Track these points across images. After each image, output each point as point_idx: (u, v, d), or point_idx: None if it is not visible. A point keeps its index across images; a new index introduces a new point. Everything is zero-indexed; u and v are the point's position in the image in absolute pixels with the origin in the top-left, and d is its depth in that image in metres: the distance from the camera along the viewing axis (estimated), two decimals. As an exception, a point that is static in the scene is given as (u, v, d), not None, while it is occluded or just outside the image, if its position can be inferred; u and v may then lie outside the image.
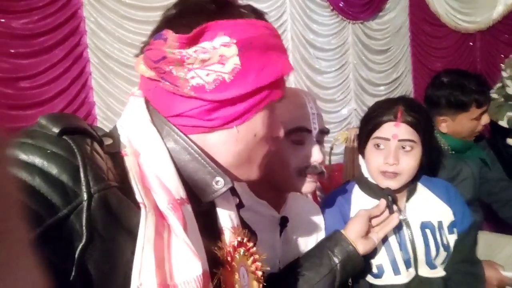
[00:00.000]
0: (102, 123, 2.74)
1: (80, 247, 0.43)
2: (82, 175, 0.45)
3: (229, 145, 0.58)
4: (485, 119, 1.56)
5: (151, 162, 0.52)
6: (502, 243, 1.53)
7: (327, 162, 2.59)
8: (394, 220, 1.00)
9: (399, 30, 4.06)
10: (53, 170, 0.44)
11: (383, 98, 1.57)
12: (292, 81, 3.45)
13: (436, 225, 1.11)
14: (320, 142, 0.95)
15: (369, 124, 1.10)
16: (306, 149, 0.92)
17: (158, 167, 0.52)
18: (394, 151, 1.05)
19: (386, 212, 1.01)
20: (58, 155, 0.45)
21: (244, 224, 0.71)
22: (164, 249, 0.47)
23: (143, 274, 0.45)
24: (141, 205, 0.48)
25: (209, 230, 0.58)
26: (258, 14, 0.60)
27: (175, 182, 0.52)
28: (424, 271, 1.08)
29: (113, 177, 0.49)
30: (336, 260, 0.91)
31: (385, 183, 1.08)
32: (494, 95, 1.71)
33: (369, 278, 1.08)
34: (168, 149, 0.55)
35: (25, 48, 2.44)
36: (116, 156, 0.52)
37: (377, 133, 1.08)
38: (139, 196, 0.49)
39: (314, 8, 3.61)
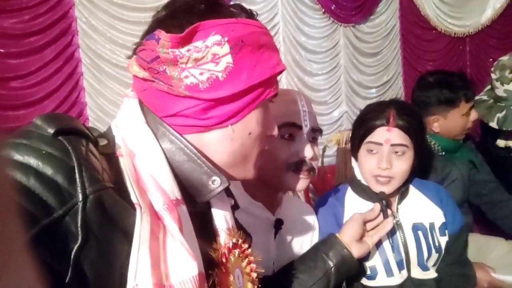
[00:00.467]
0: (94, 123, 2.72)
1: (75, 248, 0.43)
2: (77, 176, 0.45)
3: (225, 144, 0.59)
4: (473, 115, 1.63)
5: (146, 163, 0.52)
6: (492, 245, 1.55)
7: (319, 164, 2.61)
8: (388, 224, 1.01)
9: (390, 33, 4.10)
10: (48, 171, 0.44)
11: (374, 100, 1.59)
12: (283, 83, 3.46)
13: (428, 226, 1.13)
14: (312, 140, 0.96)
15: (362, 128, 1.11)
16: (296, 145, 0.93)
17: (153, 168, 0.52)
18: (387, 155, 1.06)
19: (381, 217, 1.02)
20: (53, 155, 0.45)
21: (239, 225, 0.71)
22: (160, 250, 0.47)
23: (138, 274, 0.45)
24: (136, 206, 0.48)
25: (204, 231, 0.59)
26: (249, 14, 0.61)
27: (170, 183, 0.52)
28: (417, 273, 1.10)
29: (108, 178, 0.49)
30: (331, 264, 0.91)
31: (378, 187, 1.09)
32: (484, 97, 1.75)
33: (363, 280, 1.09)
34: (163, 149, 0.55)
35: (16, 47, 2.42)
36: (111, 157, 0.52)
37: (370, 138, 1.09)
38: (134, 197, 0.49)
39: (306, 11, 3.63)
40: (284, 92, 1.01)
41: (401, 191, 1.14)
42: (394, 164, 1.07)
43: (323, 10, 3.66)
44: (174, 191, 0.52)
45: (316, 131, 0.96)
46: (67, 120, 0.51)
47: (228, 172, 0.61)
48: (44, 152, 0.45)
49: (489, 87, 1.79)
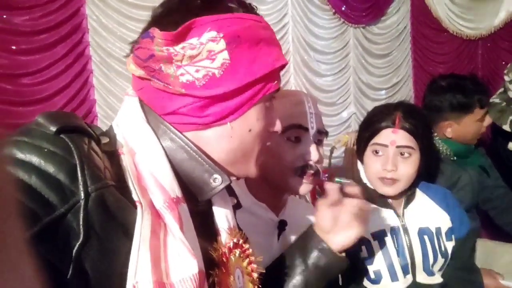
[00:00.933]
0: (103, 121, 2.74)
1: (77, 245, 0.43)
2: (79, 174, 0.45)
3: (224, 141, 0.58)
4: (488, 120, 1.59)
5: (147, 161, 0.52)
6: (501, 251, 1.53)
7: (326, 165, 2.59)
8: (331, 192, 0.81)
9: (401, 34, 4.06)
10: (50, 169, 0.44)
11: (383, 102, 1.57)
12: (292, 83, 3.46)
13: (434, 231, 1.11)
14: (318, 142, 0.95)
15: (368, 130, 1.11)
16: (302, 147, 0.91)
17: (153, 166, 0.52)
18: (392, 157, 1.06)
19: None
20: (55, 153, 0.45)
21: (238, 226, 0.71)
22: (160, 248, 0.48)
23: (139, 272, 0.45)
24: (137, 204, 0.48)
25: (205, 230, 0.59)
26: (247, 8, 0.59)
27: (171, 181, 0.52)
28: (422, 278, 1.08)
29: (110, 176, 0.49)
30: (308, 260, 0.80)
31: (383, 189, 1.09)
32: (496, 99, 1.72)
33: (367, 284, 1.08)
34: (163, 148, 0.55)
35: (27, 44, 2.44)
36: (113, 155, 0.52)
37: (376, 139, 1.08)
38: (135, 195, 0.49)
39: (315, 11, 3.61)
40: (291, 93, 1.00)
41: (407, 195, 1.13)
42: (399, 167, 1.06)
43: (333, 11, 3.65)
44: (174, 189, 0.52)
45: (322, 133, 0.95)
46: (70, 118, 0.51)
47: (229, 170, 0.60)
48: (46, 150, 0.45)
49: (502, 89, 1.76)
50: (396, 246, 1.09)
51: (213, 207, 0.63)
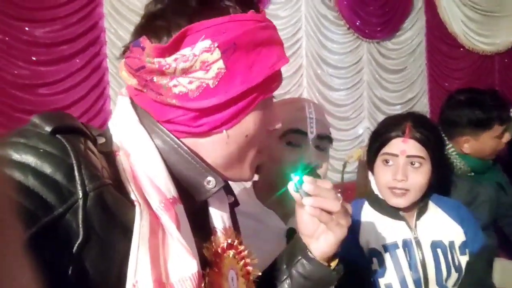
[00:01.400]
0: (117, 131, 2.78)
1: (77, 245, 0.43)
2: (76, 173, 0.45)
3: (220, 147, 0.57)
4: (507, 136, 1.53)
5: (142, 162, 0.52)
6: (519, 270, 1.48)
7: (339, 180, 2.57)
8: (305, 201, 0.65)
9: (415, 50, 4.06)
10: (47, 169, 0.44)
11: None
12: (305, 97, 3.46)
13: (447, 245, 1.08)
14: (318, 147, 0.95)
15: (378, 140, 1.10)
16: (300, 151, 0.93)
17: (148, 167, 0.52)
18: (402, 167, 1.04)
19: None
20: (52, 154, 0.45)
21: (237, 227, 0.70)
22: (159, 248, 0.47)
23: (138, 272, 0.45)
24: (135, 203, 0.48)
25: (200, 230, 0.58)
26: (246, 5, 0.56)
27: (166, 182, 0.52)
28: (435, 293, 1.05)
29: (107, 175, 0.48)
30: (293, 267, 0.73)
31: (394, 201, 1.07)
32: None
33: (377, 297, 1.05)
34: (158, 148, 0.54)
35: (46, 56, 2.52)
36: (109, 155, 0.52)
37: (386, 149, 1.07)
38: (133, 195, 0.49)
39: (329, 26, 3.64)
40: (292, 100, 1.03)
41: (419, 207, 1.11)
42: (410, 176, 1.04)
43: (348, 26, 3.67)
44: (170, 190, 0.51)
45: (323, 138, 0.96)
46: (65, 118, 0.50)
47: (223, 173, 0.60)
48: (42, 150, 0.45)
49: None
50: (408, 259, 1.06)
51: (209, 207, 0.62)
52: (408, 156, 1.05)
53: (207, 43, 0.51)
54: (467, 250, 1.10)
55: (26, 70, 2.46)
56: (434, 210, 1.14)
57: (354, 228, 1.11)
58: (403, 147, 1.05)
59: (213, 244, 0.59)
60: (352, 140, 3.69)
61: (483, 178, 1.57)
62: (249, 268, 0.63)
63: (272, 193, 0.94)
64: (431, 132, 1.07)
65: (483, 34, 4.24)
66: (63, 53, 2.57)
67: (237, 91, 0.53)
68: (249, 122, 0.57)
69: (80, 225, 0.43)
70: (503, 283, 1.40)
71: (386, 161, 1.08)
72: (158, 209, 0.49)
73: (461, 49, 4.18)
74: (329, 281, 0.70)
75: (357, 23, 3.69)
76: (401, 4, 3.93)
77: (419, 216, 1.11)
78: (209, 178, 0.56)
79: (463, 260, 1.09)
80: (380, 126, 1.14)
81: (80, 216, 0.44)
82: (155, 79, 0.52)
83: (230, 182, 0.66)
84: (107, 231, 0.46)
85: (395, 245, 1.07)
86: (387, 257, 1.06)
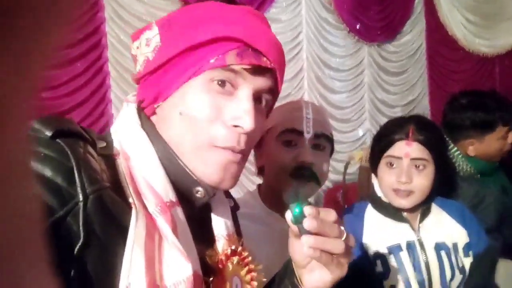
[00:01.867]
0: (119, 135, 2.79)
1: (77, 247, 0.44)
2: (76, 176, 0.45)
3: (163, 129, 0.57)
4: (511, 137, 1.53)
5: (140, 166, 0.52)
6: (524, 272, 1.47)
7: (341, 181, 2.57)
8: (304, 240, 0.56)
9: (416, 52, 4.07)
10: (48, 172, 0.44)
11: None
12: (306, 99, 3.47)
13: (451, 246, 1.08)
14: (315, 146, 0.96)
15: (381, 142, 1.10)
16: (296, 150, 0.94)
17: (147, 171, 0.52)
18: (406, 169, 1.05)
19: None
20: (52, 157, 0.45)
21: (238, 231, 0.70)
22: (155, 250, 0.48)
23: (132, 274, 0.45)
24: (132, 205, 0.49)
25: (203, 235, 0.58)
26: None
27: (164, 185, 0.52)
28: (439, 295, 1.05)
29: (107, 179, 0.49)
30: None
31: (398, 202, 1.07)
32: None
33: (381, 300, 1.05)
34: (157, 153, 0.55)
35: (48, 60, 2.52)
36: (109, 158, 0.52)
37: (390, 152, 1.08)
38: (131, 198, 0.49)
39: (330, 29, 3.65)
40: (290, 101, 1.06)
41: (423, 209, 1.11)
42: (414, 179, 1.05)
43: (348, 29, 3.68)
44: (168, 194, 0.52)
45: (320, 137, 0.96)
46: (65, 122, 0.51)
47: (197, 176, 0.56)
48: (42, 154, 0.45)
49: None
50: (412, 261, 1.06)
51: (211, 213, 0.62)
52: (412, 159, 1.05)
53: (151, 24, 0.59)
54: (470, 252, 1.10)
55: (28, 74, 2.47)
56: (437, 212, 1.14)
57: (357, 231, 1.11)
58: (407, 149, 1.05)
59: (216, 251, 0.59)
60: (354, 142, 3.69)
61: (489, 181, 1.56)
62: (254, 274, 0.62)
63: (274, 194, 0.94)
64: (434, 134, 1.07)
65: (483, 36, 4.25)
66: (65, 57, 2.57)
67: (163, 59, 0.55)
68: (181, 97, 0.54)
69: (81, 228, 0.44)
70: (508, 285, 1.40)
71: (390, 164, 1.08)
72: (154, 212, 0.50)
73: (461, 51, 4.19)
74: None
75: (357, 26, 3.71)
76: (401, 8, 3.94)
77: (422, 218, 1.12)
78: (198, 188, 0.56)
79: (467, 262, 1.09)
80: (383, 128, 1.14)
81: (81, 219, 0.44)
82: (136, 64, 0.60)
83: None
84: (107, 233, 0.46)
85: (399, 247, 1.07)
86: (391, 259, 1.06)
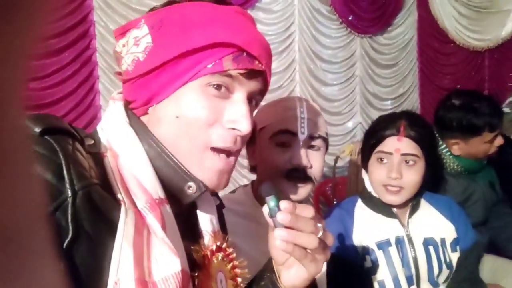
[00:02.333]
0: (107, 126, 2.76)
1: (66, 242, 0.44)
2: (65, 173, 0.46)
3: (157, 130, 0.56)
4: (498, 141, 1.54)
5: (129, 164, 0.53)
6: (509, 268, 1.50)
7: (331, 175, 2.58)
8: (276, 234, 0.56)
9: (407, 45, 4.07)
10: (37, 169, 0.44)
11: (388, 112, 1.56)
12: (297, 92, 3.46)
13: (439, 242, 1.10)
14: (310, 147, 0.93)
15: (373, 138, 1.10)
16: (290, 152, 0.91)
17: (136, 168, 0.53)
18: (397, 165, 1.05)
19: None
20: (41, 154, 0.46)
21: (224, 228, 0.71)
22: (144, 246, 0.48)
23: (120, 270, 0.45)
24: (121, 202, 0.49)
25: (189, 232, 0.59)
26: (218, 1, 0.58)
27: (153, 183, 0.53)
28: (426, 289, 1.06)
29: (95, 175, 0.49)
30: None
31: (388, 198, 1.07)
32: (507, 109, 1.70)
33: (370, 294, 1.06)
34: (146, 151, 0.55)
35: (35, 49, 2.47)
36: (97, 156, 0.53)
37: (380, 147, 1.08)
38: (119, 194, 0.50)
39: (323, 21, 3.63)
40: (283, 99, 1.01)
41: (412, 204, 1.12)
42: (404, 174, 1.05)
43: (340, 20, 3.66)
44: (157, 191, 0.53)
45: (315, 138, 0.92)
46: (53, 119, 0.51)
47: (192, 172, 0.57)
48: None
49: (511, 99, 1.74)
50: (401, 256, 1.07)
51: (197, 210, 0.63)
52: (402, 154, 1.05)
53: (139, 23, 0.57)
54: (458, 247, 1.11)
55: (14, 64, 2.42)
56: (426, 208, 1.15)
57: (347, 226, 1.11)
58: (398, 145, 1.05)
59: (202, 247, 0.60)
60: (344, 135, 3.70)
61: (477, 177, 1.58)
62: (238, 270, 0.63)
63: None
64: (425, 130, 1.08)
65: (474, 30, 4.27)
66: (52, 47, 2.52)
67: (159, 61, 0.54)
68: (179, 101, 0.55)
69: (70, 223, 0.44)
70: (493, 280, 1.42)
71: (381, 159, 1.08)
72: (143, 208, 0.50)
73: (452, 44, 4.20)
74: None
75: (350, 18, 3.69)
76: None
77: (411, 213, 1.12)
78: (190, 183, 0.56)
79: (454, 257, 1.10)
80: (374, 124, 1.14)
81: (69, 214, 0.44)
82: (122, 62, 0.58)
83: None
84: (95, 229, 0.46)
85: (388, 243, 1.08)
86: (380, 254, 1.07)
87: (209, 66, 0.54)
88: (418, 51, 4.12)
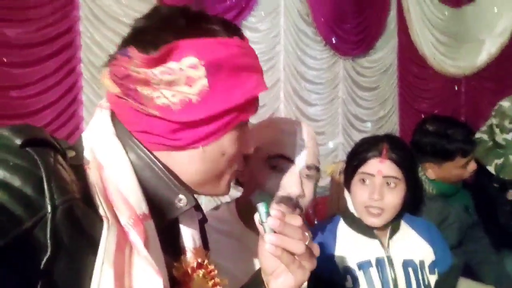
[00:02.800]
0: (89, 138, 2.72)
1: (45, 259, 0.43)
2: (46, 186, 0.45)
3: (195, 163, 0.57)
4: (471, 166, 1.58)
5: (114, 176, 0.52)
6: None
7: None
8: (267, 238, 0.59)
9: (388, 69, 4.20)
10: (16, 182, 0.44)
11: (369, 134, 1.60)
12: (282, 112, 3.50)
13: (418, 264, 1.12)
14: (306, 177, 0.90)
15: (355, 159, 1.13)
16: (285, 178, 0.87)
17: (120, 182, 0.52)
18: (379, 187, 1.07)
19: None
20: (21, 167, 0.45)
21: (206, 244, 0.70)
22: (125, 264, 0.48)
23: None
24: (104, 218, 0.48)
25: (170, 247, 0.58)
26: (231, 31, 0.58)
27: (138, 197, 0.52)
28: (405, 311, 1.08)
29: (77, 189, 0.48)
30: None
31: (370, 220, 1.09)
32: (484, 135, 1.76)
33: (350, 315, 1.06)
34: (131, 162, 0.54)
35: (19, 58, 2.44)
36: (79, 168, 0.52)
37: (363, 169, 1.10)
38: (102, 210, 0.49)
39: (307, 42, 3.72)
40: (285, 121, 0.97)
41: (392, 226, 1.14)
42: (386, 196, 1.08)
43: (325, 42, 3.75)
44: (141, 206, 0.52)
45: (311, 169, 0.90)
46: (36, 131, 0.50)
47: (197, 189, 0.60)
48: (11, 163, 0.45)
49: (489, 123, 1.80)
50: (381, 278, 1.08)
51: (180, 225, 0.63)
52: (384, 176, 1.08)
53: (193, 60, 0.53)
54: (436, 270, 1.14)
55: (-4, 71, 2.38)
56: (406, 230, 1.17)
57: (330, 245, 1.12)
58: (380, 167, 1.08)
59: (183, 263, 0.59)
60: (326, 155, 3.75)
61: (452, 200, 1.62)
62: None
63: (252, 212, 0.92)
64: (406, 154, 1.11)
65: (451, 57, 4.44)
66: (36, 55, 2.48)
67: (218, 110, 0.55)
68: (226, 141, 0.58)
69: (49, 240, 0.43)
70: None
71: (363, 180, 1.10)
72: (126, 224, 0.49)
73: (430, 70, 4.36)
74: None
75: (334, 40, 3.79)
76: (376, 23, 4.07)
77: (392, 235, 1.14)
78: (181, 196, 0.57)
79: (432, 279, 1.12)
80: (357, 145, 1.17)
81: (49, 230, 0.43)
82: (138, 88, 0.53)
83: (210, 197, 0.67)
84: (75, 245, 0.46)
85: (369, 263, 1.10)
86: (360, 274, 1.08)
87: (249, 115, 0.61)
88: (398, 75, 4.26)
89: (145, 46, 0.53)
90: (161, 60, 0.52)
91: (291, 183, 0.87)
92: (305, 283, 0.62)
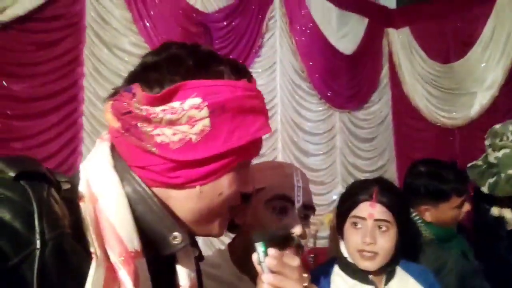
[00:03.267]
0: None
1: None
2: (36, 221, 0.44)
3: (191, 202, 0.57)
4: (466, 207, 1.59)
5: (108, 208, 0.51)
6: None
7: (311, 244, 2.56)
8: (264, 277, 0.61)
9: (384, 121, 4.30)
10: (6, 215, 0.43)
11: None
12: (280, 160, 3.54)
13: (415, 311, 1.09)
14: (303, 217, 0.92)
15: (346, 203, 1.14)
16: (286, 220, 0.90)
17: (113, 214, 0.50)
18: (371, 230, 1.07)
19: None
20: (12, 200, 0.44)
21: (200, 281, 0.69)
22: None
23: None
24: (93, 255, 0.47)
25: (164, 285, 0.57)
26: (239, 73, 0.59)
27: (131, 233, 0.51)
28: None
29: (68, 224, 0.47)
30: None
31: (363, 264, 1.08)
32: (479, 162, 1.79)
33: None
34: (127, 196, 0.53)
35: (22, 110, 2.52)
36: (72, 202, 0.51)
37: (354, 212, 1.11)
38: (92, 246, 0.48)
39: (303, 95, 3.84)
40: (281, 165, 1.01)
41: (388, 271, 1.12)
42: (378, 240, 1.07)
43: (319, 96, 3.88)
44: (133, 243, 0.51)
45: (308, 209, 0.94)
46: (31, 163, 0.50)
47: (191, 228, 0.59)
48: (2, 196, 0.44)
49: (485, 153, 1.84)
50: (378, 325, 1.05)
51: (176, 263, 0.61)
52: (376, 220, 1.08)
53: (197, 100, 0.53)
54: (434, 317, 1.10)
55: (0, 124, 2.44)
56: (402, 275, 1.15)
57: (325, 291, 1.10)
58: (371, 210, 1.08)
59: None
60: (328, 205, 3.73)
61: (450, 246, 1.60)
62: None
63: (249, 256, 0.91)
64: (397, 197, 1.12)
65: (444, 109, 4.56)
66: (39, 109, 2.57)
67: (218, 151, 0.54)
68: (224, 182, 0.57)
69: (35, 278, 0.42)
70: None
71: (355, 224, 1.10)
72: (117, 262, 0.48)
73: (424, 122, 4.45)
74: None
75: (328, 94, 3.92)
76: (369, 79, 4.23)
77: (387, 280, 1.12)
78: (176, 233, 0.55)
79: (431, 327, 1.09)
80: (348, 189, 1.18)
81: (36, 268, 0.42)
82: (139, 125, 0.53)
83: (204, 241, 0.66)
84: (63, 283, 0.45)
85: (365, 310, 1.07)
86: (357, 322, 1.05)
87: (251, 157, 0.61)
88: (394, 127, 4.34)
89: (151, 83, 0.54)
90: (165, 99, 0.53)
91: (293, 222, 0.89)
92: None
